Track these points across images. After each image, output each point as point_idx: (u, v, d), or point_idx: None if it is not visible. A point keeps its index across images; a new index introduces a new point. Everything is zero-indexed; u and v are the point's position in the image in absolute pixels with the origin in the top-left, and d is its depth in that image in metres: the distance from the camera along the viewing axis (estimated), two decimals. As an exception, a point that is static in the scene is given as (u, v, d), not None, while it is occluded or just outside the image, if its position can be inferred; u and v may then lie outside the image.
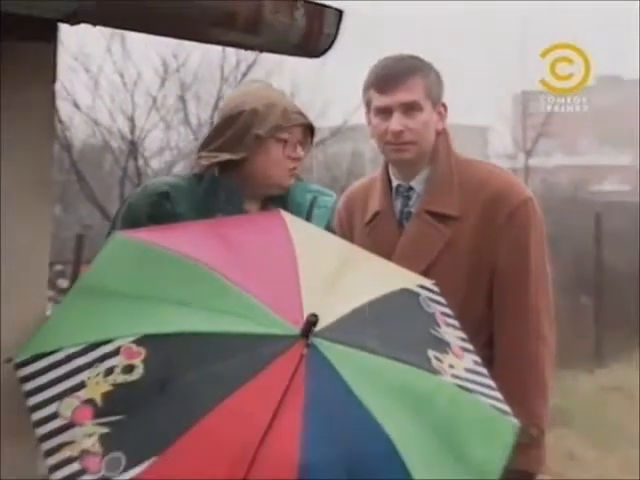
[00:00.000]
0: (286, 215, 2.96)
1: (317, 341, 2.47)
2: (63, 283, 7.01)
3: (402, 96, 3.25)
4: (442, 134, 3.39)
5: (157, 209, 3.13)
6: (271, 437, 2.33)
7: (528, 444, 2.99)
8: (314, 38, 2.52)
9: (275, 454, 2.32)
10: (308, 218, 3.21)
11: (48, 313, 2.71)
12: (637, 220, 16.11)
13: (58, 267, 7.49)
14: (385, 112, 3.28)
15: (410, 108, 3.26)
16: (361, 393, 2.46)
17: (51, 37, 2.58)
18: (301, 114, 3.21)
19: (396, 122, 3.25)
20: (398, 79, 3.25)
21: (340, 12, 2.54)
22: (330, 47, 2.58)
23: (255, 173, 3.17)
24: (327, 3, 2.53)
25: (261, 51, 2.70)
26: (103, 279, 2.63)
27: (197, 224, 2.95)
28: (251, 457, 2.30)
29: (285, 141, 3.16)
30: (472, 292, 3.20)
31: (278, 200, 3.21)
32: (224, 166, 3.17)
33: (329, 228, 3.29)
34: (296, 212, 3.13)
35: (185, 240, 2.75)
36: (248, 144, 3.13)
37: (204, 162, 3.18)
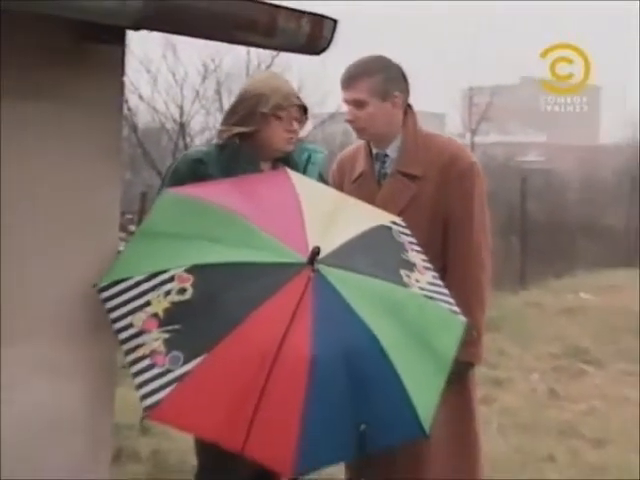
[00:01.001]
0: (291, 172, 2.98)
1: (320, 267, 2.51)
2: (132, 228, 6.99)
3: (350, 94, 3.29)
4: (409, 114, 3.39)
5: (194, 171, 3.14)
6: (289, 338, 2.37)
7: (471, 343, 2.99)
8: (315, 40, 2.49)
9: (292, 350, 2.37)
10: (304, 171, 3.22)
11: (120, 249, 2.71)
12: (551, 182, 16.16)
13: (128, 216, 7.50)
14: (346, 104, 3.33)
15: (358, 104, 3.27)
16: (354, 304, 2.50)
17: (120, 41, 2.54)
18: (297, 97, 3.22)
19: (348, 113, 3.33)
20: (348, 81, 3.29)
21: (335, 21, 2.50)
22: (327, 47, 2.54)
23: (262, 142, 3.18)
24: (325, 11, 2.50)
25: (275, 50, 2.66)
26: (158, 225, 2.66)
27: (225, 181, 2.95)
28: (275, 353, 2.35)
29: (284, 119, 3.17)
30: (432, 230, 3.20)
31: (283, 160, 3.21)
32: (242, 136, 3.17)
33: (321, 178, 3.34)
34: (295, 168, 3.15)
35: (218, 193, 2.77)
36: (256, 120, 3.15)
37: (225, 135, 3.21)
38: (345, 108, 3.37)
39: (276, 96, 3.15)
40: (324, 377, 2.40)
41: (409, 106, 3.40)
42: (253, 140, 3.18)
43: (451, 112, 29.74)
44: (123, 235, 4.90)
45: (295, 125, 3.20)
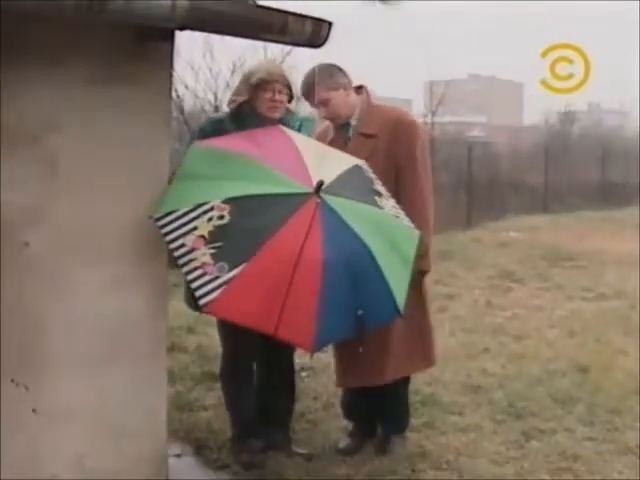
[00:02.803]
0: (285, 128, 2.95)
1: (323, 195, 2.52)
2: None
3: (316, 99, 3.19)
4: (363, 91, 3.31)
5: (215, 128, 3.06)
6: (306, 247, 2.39)
7: (422, 256, 2.95)
8: (316, 38, 2.45)
9: (309, 256, 2.39)
10: None
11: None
12: (489, 151, 16.12)
13: (176, 175, 7.36)
14: (316, 107, 3.27)
15: (324, 102, 3.21)
16: (349, 221, 2.51)
17: (169, 39, 2.49)
18: (282, 76, 3.10)
19: (321, 112, 3.27)
20: (309, 92, 3.21)
21: (330, 23, 2.46)
22: (324, 43, 2.50)
23: (253, 108, 3.08)
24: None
25: (286, 44, 2.61)
26: (193, 169, 2.61)
27: (237, 135, 2.88)
28: (296, 258, 2.37)
29: (267, 90, 3.05)
30: (386, 175, 3.05)
31: (282, 123, 3.07)
32: (243, 104, 3.10)
33: None
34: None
35: (235, 144, 2.72)
36: (247, 90, 3.08)
37: (231, 104, 3.16)
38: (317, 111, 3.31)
39: (261, 72, 3.07)
40: (333, 275, 2.42)
41: (360, 86, 3.33)
42: (250, 107, 3.09)
43: (416, 99, 29.68)
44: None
45: (278, 96, 3.07)
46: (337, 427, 3.64)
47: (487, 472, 3.18)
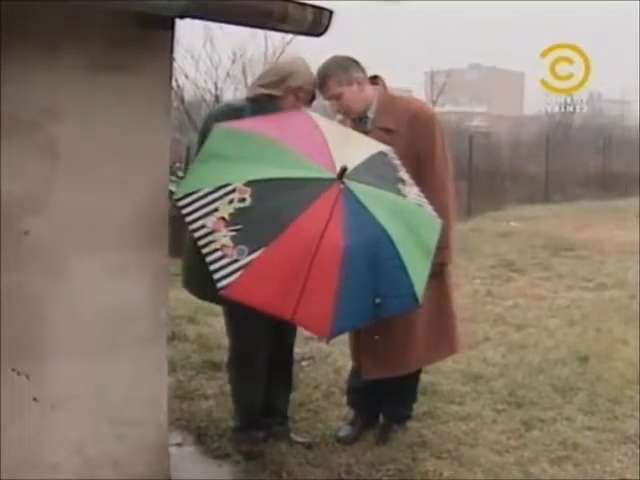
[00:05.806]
0: (309, 111, 2.91)
1: (346, 181, 2.48)
2: (180, 173, 6.93)
3: (328, 92, 3.14)
4: (379, 82, 3.25)
5: (235, 117, 2.94)
6: (326, 233, 2.36)
7: (442, 249, 2.92)
8: (316, 26, 2.43)
9: (329, 242, 2.36)
10: None
11: (170, 188, 2.65)
12: (489, 141, 16.11)
13: (177, 164, 7.35)
14: (329, 100, 3.20)
15: (336, 97, 3.14)
16: (371, 209, 2.48)
17: (169, 27, 2.47)
18: (315, 86, 3.08)
19: (333, 105, 3.19)
20: (321, 85, 3.13)
21: (331, 11, 2.44)
22: (325, 31, 2.48)
23: (278, 106, 3.00)
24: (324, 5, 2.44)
25: (286, 32, 2.58)
26: (217, 149, 2.56)
27: (263, 117, 2.80)
28: (316, 244, 2.34)
29: (300, 98, 3.03)
30: (408, 168, 2.94)
31: None
32: (266, 96, 3.02)
33: None
34: None
35: (260, 126, 2.67)
36: (281, 89, 3.00)
37: (254, 91, 3.08)
38: (329, 103, 3.23)
39: (305, 79, 3.03)
40: (352, 262, 2.39)
41: (376, 76, 3.26)
42: (275, 101, 3.01)
43: (417, 89, 29.63)
44: (173, 178, 4.89)
45: (301, 104, 3.05)
46: (337, 416, 3.64)
47: (487, 461, 3.19)
